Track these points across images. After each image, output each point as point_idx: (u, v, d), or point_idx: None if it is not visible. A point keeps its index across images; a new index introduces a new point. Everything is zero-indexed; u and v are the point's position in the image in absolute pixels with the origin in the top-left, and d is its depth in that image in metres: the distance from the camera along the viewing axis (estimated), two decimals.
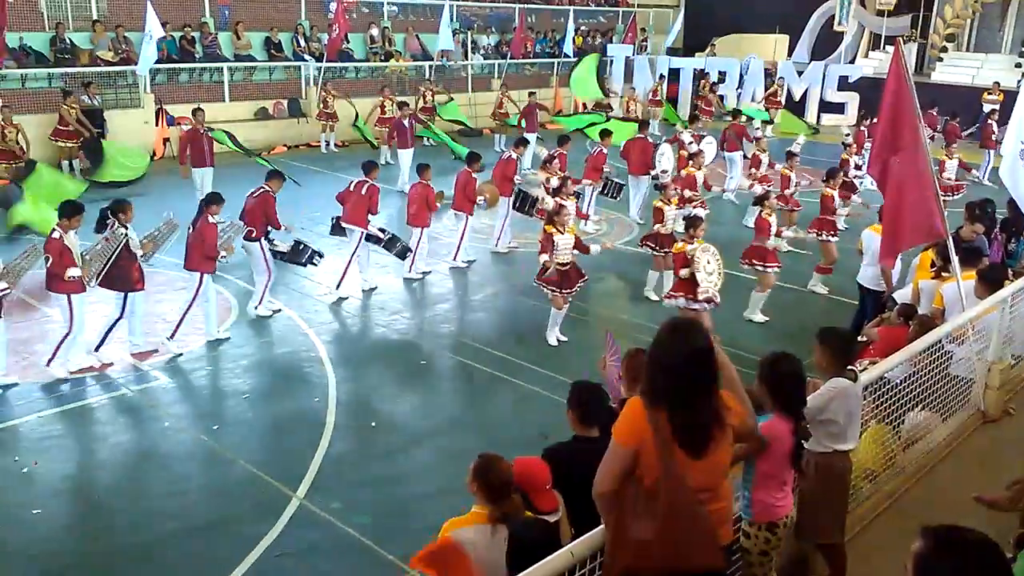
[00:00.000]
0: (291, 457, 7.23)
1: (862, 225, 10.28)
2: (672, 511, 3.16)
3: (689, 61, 28.29)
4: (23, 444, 7.40)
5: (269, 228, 10.15)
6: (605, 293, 11.74)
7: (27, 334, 9.21)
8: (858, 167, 14.76)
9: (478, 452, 3.85)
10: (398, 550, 5.85)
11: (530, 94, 20.46)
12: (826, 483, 4.45)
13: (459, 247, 12.38)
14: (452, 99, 21.48)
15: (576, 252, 9.57)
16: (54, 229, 8.30)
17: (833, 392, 4.43)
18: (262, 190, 10.07)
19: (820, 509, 4.41)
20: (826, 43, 28.87)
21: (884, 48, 27.51)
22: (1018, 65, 25.71)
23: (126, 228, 8.66)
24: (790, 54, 28.71)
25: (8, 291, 7.90)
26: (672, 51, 29.70)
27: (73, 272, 8.18)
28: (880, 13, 28.15)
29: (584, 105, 27.03)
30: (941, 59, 27.23)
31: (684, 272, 8.88)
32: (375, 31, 23.75)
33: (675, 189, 11.38)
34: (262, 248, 10.07)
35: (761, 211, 10.47)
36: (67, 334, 8.42)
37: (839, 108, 26.64)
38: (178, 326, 9.27)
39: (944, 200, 7.96)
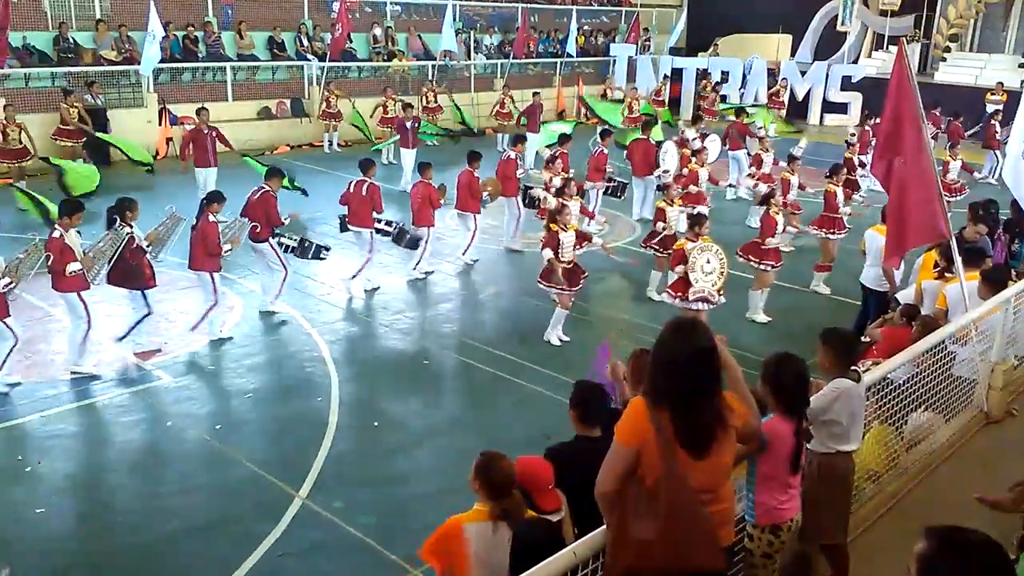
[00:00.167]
0: (294, 457, 7.24)
1: (864, 225, 10.26)
2: (673, 511, 3.16)
3: (692, 61, 28.29)
4: (27, 443, 7.41)
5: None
6: (607, 293, 11.73)
7: (30, 334, 9.20)
8: (862, 165, 14.73)
9: (480, 452, 3.86)
10: (400, 550, 5.88)
11: (534, 94, 20.46)
12: (829, 484, 4.44)
13: (470, 244, 12.44)
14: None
15: (578, 251, 9.58)
16: (54, 228, 8.31)
17: (836, 393, 4.42)
18: (262, 190, 10.07)
19: (823, 510, 4.40)
20: (829, 43, 28.83)
21: (887, 48, 27.48)
22: (1021, 65, 25.67)
23: (131, 227, 8.69)
24: (793, 54, 28.69)
25: (12, 286, 7.91)
26: (675, 51, 29.68)
27: (73, 267, 8.19)
28: (883, 13, 28.11)
29: (586, 106, 27.05)
30: (944, 59, 27.20)
31: (679, 269, 8.87)
32: (378, 31, 23.76)
33: (677, 189, 11.37)
34: (272, 247, 10.08)
35: (768, 209, 10.44)
36: (86, 330, 8.46)
37: (842, 108, 26.66)
38: (200, 322, 9.37)
39: (947, 201, 7.95)
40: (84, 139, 16.67)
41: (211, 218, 9.21)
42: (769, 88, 25.97)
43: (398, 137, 17.38)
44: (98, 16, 19.05)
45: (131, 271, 8.74)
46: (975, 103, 22.42)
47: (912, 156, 6.75)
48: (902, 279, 8.96)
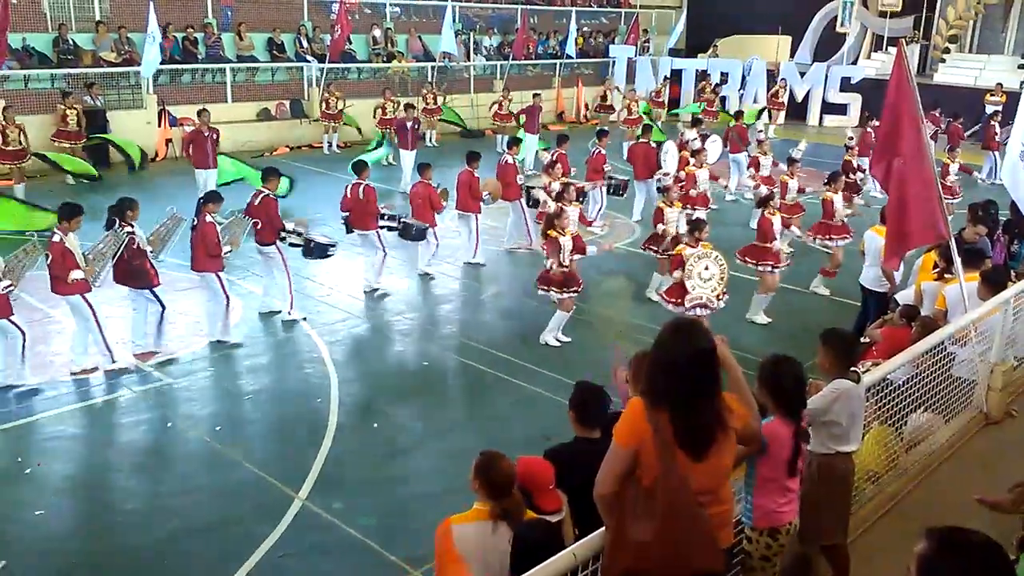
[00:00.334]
0: (294, 458, 7.24)
1: (864, 226, 10.27)
2: (671, 512, 3.15)
3: (691, 62, 28.30)
4: (27, 444, 7.41)
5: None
6: (607, 294, 11.74)
7: (30, 334, 9.20)
8: (861, 169, 14.74)
9: (480, 452, 3.86)
10: (400, 551, 5.88)
11: (534, 95, 20.48)
12: (829, 485, 4.44)
13: (476, 245, 12.48)
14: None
15: (575, 257, 9.58)
16: (54, 232, 8.30)
17: (836, 393, 4.43)
18: (263, 194, 10.04)
19: (823, 511, 4.40)
20: (828, 44, 28.86)
21: (887, 49, 27.49)
22: (1021, 66, 25.70)
23: (132, 227, 8.70)
24: (792, 55, 28.71)
25: (12, 288, 7.91)
26: (674, 52, 29.70)
27: (76, 275, 8.20)
28: (883, 14, 28.14)
29: (587, 105, 27.11)
30: (944, 60, 27.22)
31: (677, 274, 8.88)
32: (377, 32, 23.77)
33: (677, 191, 11.37)
34: (279, 250, 10.09)
35: (764, 211, 10.46)
36: (98, 329, 8.51)
37: (841, 109, 26.68)
38: (226, 318, 9.44)
39: (947, 203, 7.96)
40: (84, 141, 16.68)
41: (208, 218, 9.21)
42: (768, 89, 26.01)
43: (378, 150, 17.25)
44: (98, 18, 19.05)
45: (134, 271, 8.76)
46: (974, 104, 22.44)
47: (911, 157, 6.76)
48: (901, 280, 8.97)
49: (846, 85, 26.53)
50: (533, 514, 3.75)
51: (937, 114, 19.78)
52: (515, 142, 14.47)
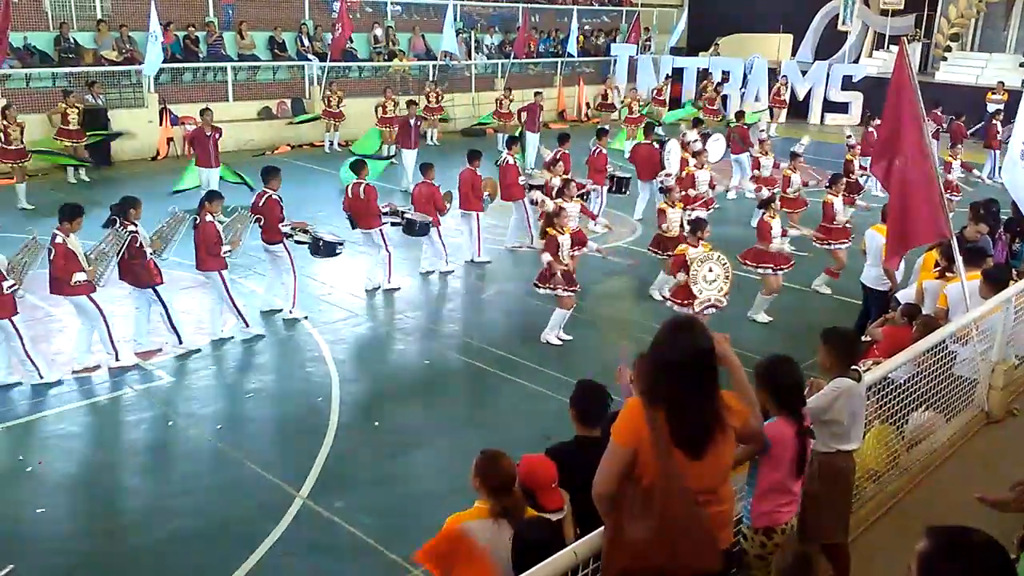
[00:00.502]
0: (295, 456, 7.25)
1: (865, 226, 10.25)
2: (668, 512, 3.14)
3: (693, 61, 28.28)
4: (28, 443, 7.42)
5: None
6: (608, 293, 11.73)
7: (31, 333, 9.20)
8: (863, 168, 14.72)
9: (480, 450, 3.86)
10: (402, 550, 5.87)
11: (536, 94, 20.48)
12: (829, 483, 4.44)
13: (479, 243, 12.49)
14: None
15: (575, 253, 9.59)
16: (55, 234, 8.29)
17: (837, 392, 4.42)
18: (266, 196, 10.02)
19: (823, 509, 4.40)
20: (830, 43, 28.82)
21: (888, 48, 27.47)
22: (1022, 64, 25.67)
23: (135, 226, 8.70)
24: (794, 54, 28.67)
25: (16, 287, 7.92)
26: (676, 51, 29.69)
27: (79, 277, 8.21)
28: (884, 12, 28.11)
29: (588, 104, 27.11)
30: (945, 59, 27.18)
31: (680, 277, 8.89)
32: (379, 31, 23.76)
33: (679, 191, 11.37)
34: (287, 249, 10.09)
35: (764, 213, 10.47)
36: (105, 326, 8.54)
37: (843, 108, 26.65)
38: (240, 314, 9.47)
39: (949, 200, 7.95)
40: (85, 139, 16.69)
41: (209, 218, 9.21)
42: (770, 88, 26.00)
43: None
44: (99, 16, 19.06)
45: (137, 270, 8.76)
46: (976, 103, 22.39)
47: (913, 156, 6.75)
48: (903, 279, 8.96)
49: (847, 84, 26.50)
50: (534, 512, 3.75)
51: (939, 112, 19.76)
52: (513, 141, 14.45)
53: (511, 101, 21.69)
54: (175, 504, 6.55)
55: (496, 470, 3.72)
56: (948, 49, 27.41)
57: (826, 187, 11.76)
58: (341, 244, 10.64)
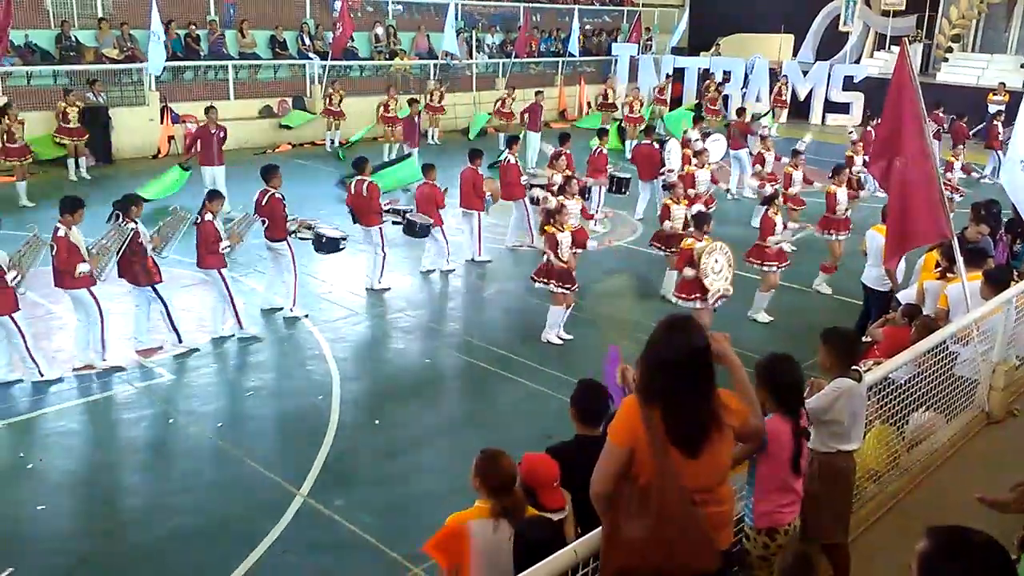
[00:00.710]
0: (295, 455, 7.25)
1: (866, 224, 10.26)
2: (664, 511, 3.13)
3: (694, 61, 28.27)
4: (28, 440, 7.42)
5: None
6: (609, 292, 11.73)
7: (32, 330, 9.20)
8: (865, 166, 14.70)
9: (480, 450, 3.86)
10: (402, 548, 5.88)
11: (537, 93, 20.49)
12: (830, 483, 4.44)
13: (479, 243, 12.48)
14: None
15: (576, 251, 9.59)
16: (57, 227, 8.30)
17: (837, 392, 4.42)
18: (268, 194, 10.01)
19: (824, 509, 4.40)
20: (831, 43, 28.81)
21: (889, 48, 27.45)
22: (1023, 66, 25.65)
23: (135, 223, 8.70)
24: (795, 54, 28.66)
25: (19, 278, 7.92)
26: (677, 50, 29.67)
27: (83, 268, 8.23)
28: (885, 13, 28.10)
29: (589, 104, 27.11)
30: (947, 59, 27.18)
31: (689, 272, 8.89)
32: (380, 30, 23.77)
33: (682, 187, 11.37)
34: (289, 247, 10.09)
35: (767, 210, 10.47)
36: (100, 325, 8.51)
37: (844, 108, 26.62)
38: (237, 314, 9.44)
39: (950, 200, 7.95)
40: (86, 137, 16.70)
41: (208, 217, 9.21)
42: (771, 88, 25.99)
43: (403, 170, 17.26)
44: (100, 14, 19.09)
45: (136, 268, 8.76)
46: (977, 103, 22.38)
47: (914, 156, 6.75)
48: (903, 279, 8.96)
49: (849, 84, 26.48)
50: (534, 512, 3.75)
51: (940, 113, 19.75)
52: (514, 140, 14.45)
53: (513, 100, 21.69)
54: (175, 502, 6.55)
55: (496, 470, 3.72)
56: (949, 50, 27.40)
57: (829, 178, 11.77)
58: (344, 240, 10.64)
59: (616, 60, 28.35)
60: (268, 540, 6.04)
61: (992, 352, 6.80)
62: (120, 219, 8.69)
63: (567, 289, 9.48)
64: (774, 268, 10.29)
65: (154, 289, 8.94)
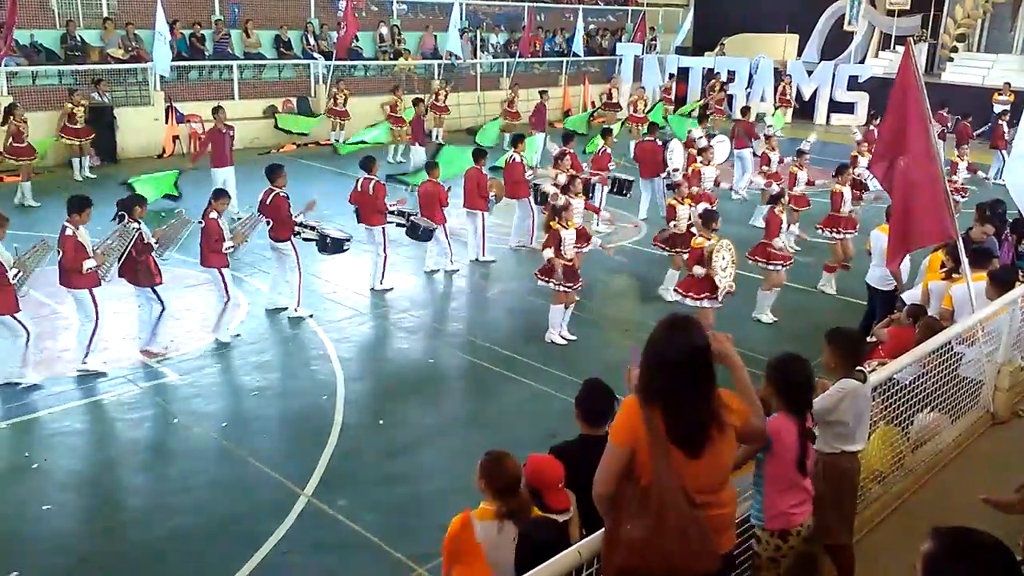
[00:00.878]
0: (299, 455, 7.25)
1: (870, 224, 10.24)
2: (663, 512, 3.12)
3: (698, 60, 28.26)
4: (34, 440, 7.44)
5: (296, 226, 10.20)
6: (612, 292, 11.73)
7: (37, 330, 9.22)
8: (870, 165, 14.67)
9: (486, 451, 3.86)
10: (406, 548, 5.89)
11: (541, 93, 20.47)
12: (834, 484, 4.43)
13: (483, 243, 12.49)
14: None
15: (580, 249, 9.60)
16: (65, 226, 8.32)
17: (842, 393, 4.42)
18: (273, 193, 10.03)
19: (828, 510, 4.39)
20: (836, 43, 28.78)
21: (894, 48, 27.41)
22: None
23: (139, 223, 8.72)
24: (800, 54, 28.63)
25: (21, 276, 7.93)
26: (681, 50, 29.67)
27: (89, 264, 8.24)
28: (890, 13, 28.05)
29: (593, 104, 27.08)
30: (951, 59, 27.11)
31: (699, 271, 8.89)
32: (384, 30, 23.78)
33: (687, 187, 11.37)
34: (294, 247, 10.10)
35: (773, 208, 10.46)
36: (94, 328, 8.49)
37: (849, 108, 26.58)
38: (220, 318, 9.42)
39: (955, 201, 7.92)
40: (92, 136, 16.74)
41: (212, 215, 9.23)
42: (776, 88, 25.96)
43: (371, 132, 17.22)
44: (105, 14, 19.11)
45: (143, 269, 8.78)
46: (982, 103, 22.34)
47: (918, 156, 6.71)
48: (908, 279, 8.95)
49: (853, 84, 26.45)
50: (539, 513, 3.75)
51: (944, 113, 19.72)
52: (519, 139, 14.44)
53: (517, 99, 21.70)
54: (180, 501, 6.57)
55: (501, 471, 3.72)
56: (954, 50, 27.34)
57: (833, 176, 11.75)
58: (348, 240, 10.65)
59: (620, 60, 28.35)
60: (272, 540, 6.04)
61: (997, 353, 6.79)
62: (125, 220, 8.71)
63: (569, 288, 9.48)
64: (779, 267, 10.27)
65: (154, 290, 8.95)
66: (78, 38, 18.48)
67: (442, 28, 23.96)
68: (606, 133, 14.84)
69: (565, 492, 3.85)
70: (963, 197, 14.30)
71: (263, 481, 6.83)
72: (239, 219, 9.58)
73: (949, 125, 19.67)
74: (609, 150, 14.47)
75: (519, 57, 25.62)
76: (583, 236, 9.69)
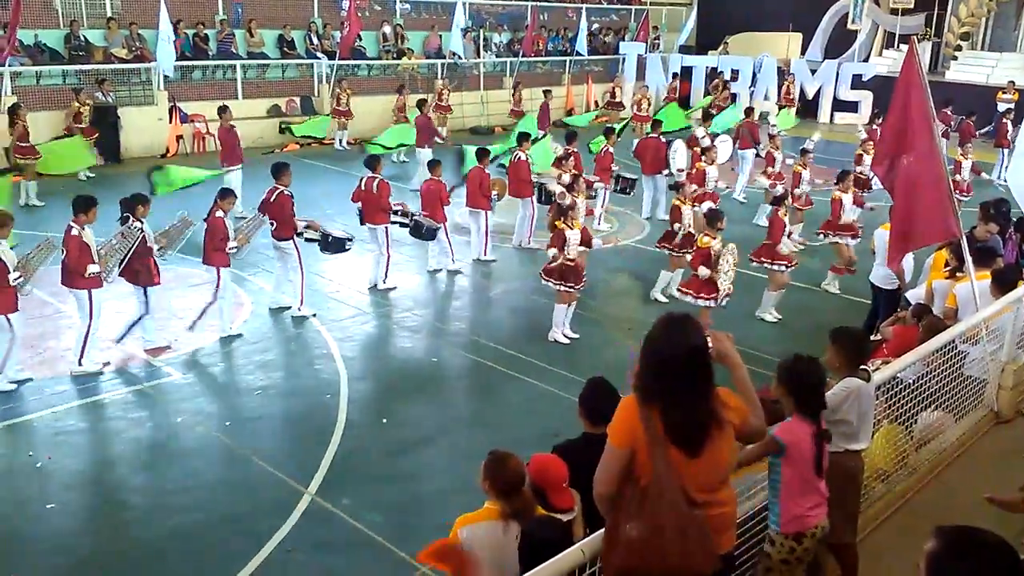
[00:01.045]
0: (303, 453, 7.26)
1: (874, 224, 10.23)
2: (662, 512, 3.10)
3: (702, 59, 28.23)
4: (37, 439, 7.45)
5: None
6: (615, 292, 11.72)
7: (40, 329, 9.27)
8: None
9: (489, 450, 3.86)
10: (409, 547, 5.88)
11: (545, 92, 20.46)
12: (838, 483, 4.42)
13: (486, 242, 12.49)
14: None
15: (583, 248, 9.59)
16: (71, 226, 8.33)
17: (846, 392, 4.41)
18: (277, 191, 10.02)
19: (832, 509, 4.38)
20: (840, 41, 28.75)
21: (898, 47, 27.36)
22: None
23: (141, 223, 8.72)
24: (803, 52, 28.60)
25: (21, 279, 7.93)
26: (685, 49, 29.63)
27: (93, 269, 8.25)
28: (894, 11, 28.02)
29: (596, 103, 27.07)
30: (955, 58, 27.07)
31: (704, 271, 8.89)
32: (387, 29, 23.78)
33: (691, 187, 11.37)
34: (296, 246, 10.10)
35: (777, 209, 10.45)
36: (87, 329, 8.48)
37: (852, 107, 26.56)
38: (199, 318, 9.38)
39: (958, 200, 7.91)
40: (96, 136, 16.76)
41: (218, 214, 9.23)
42: (779, 87, 25.94)
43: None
44: (109, 14, 19.13)
45: (142, 268, 8.79)
46: (986, 102, 22.31)
47: (921, 154, 6.70)
48: (912, 278, 8.93)
49: (857, 82, 26.43)
50: (543, 512, 3.74)
51: (948, 112, 19.68)
52: (524, 137, 14.43)
53: (520, 99, 21.69)
54: (183, 500, 6.58)
55: (504, 472, 3.71)
56: (958, 48, 27.31)
57: (834, 184, 11.73)
58: (350, 240, 10.65)
59: (624, 59, 28.32)
60: (276, 538, 6.05)
61: (1001, 351, 6.77)
62: (130, 220, 8.71)
63: (572, 287, 9.48)
64: (783, 268, 10.27)
65: (145, 291, 8.94)
66: (82, 38, 18.50)
67: (446, 27, 23.96)
68: (609, 132, 14.83)
69: (569, 491, 3.84)
70: (966, 196, 14.29)
71: (266, 480, 6.84)
72: (243, 219, 9.57)
73: (952, 124, 19.64)
74: (612, 150, 14.46)
75: (522, 56, 25.61)
76: (585, 238, 9.67)
